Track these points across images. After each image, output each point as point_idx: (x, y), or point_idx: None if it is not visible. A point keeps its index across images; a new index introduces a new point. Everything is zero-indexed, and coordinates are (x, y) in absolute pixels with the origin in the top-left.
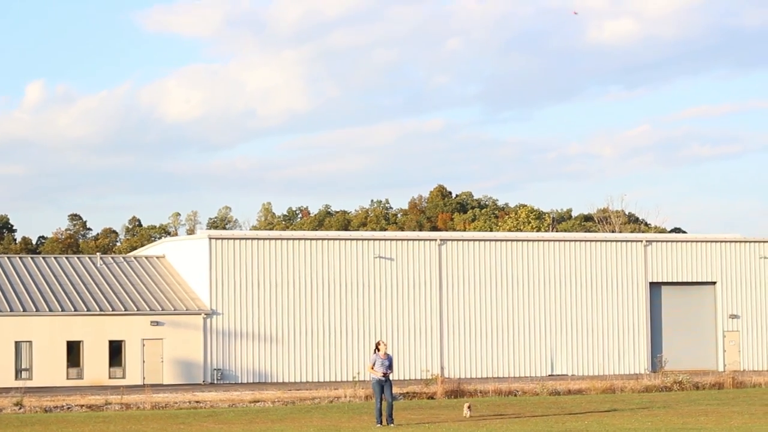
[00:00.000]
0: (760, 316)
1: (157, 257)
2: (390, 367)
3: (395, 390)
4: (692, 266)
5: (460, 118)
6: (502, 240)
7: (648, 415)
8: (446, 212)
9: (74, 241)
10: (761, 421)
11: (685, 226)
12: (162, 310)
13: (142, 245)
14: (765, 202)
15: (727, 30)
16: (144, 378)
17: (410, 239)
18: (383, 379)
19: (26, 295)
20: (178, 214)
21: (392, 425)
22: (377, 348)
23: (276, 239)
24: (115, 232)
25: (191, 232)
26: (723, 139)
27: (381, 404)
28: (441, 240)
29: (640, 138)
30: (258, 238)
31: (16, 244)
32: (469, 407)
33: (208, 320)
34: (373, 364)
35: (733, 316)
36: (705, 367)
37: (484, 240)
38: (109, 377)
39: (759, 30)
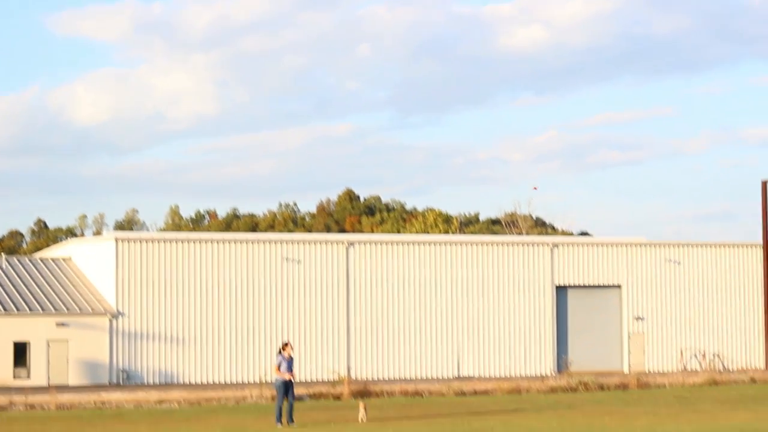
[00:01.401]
0: (664, 319)
1: (63, 259)
2: (293, 368)
3: (301, 390)
4: (598, 269)
5: (369, 123)
6: (409, 242)
7: (553, 416)
8: (354, 215)
9: None
10: (665, 421)
11: (592, 230)
12: (68, 311)
13: (48, 247)
14: (669, 207)
15: (636, 38)
16: (49, 379)
17: (318, 241)
18: (288, 380)
19: None
20: (85, 217)
21: (293, 425)
22: (284, 349)
23: (183, 241)
24: (20, 233)
25: (98, 234)
26: (629, 146)
27: (282, 404)
28: (348, 242)
29: (548, 143)
30: (165, 240)
31: None
32: (364, 408)
33: (114, 321)
34: (279, 365)
35: (638, 319)
36: (610, 369)
37: (392, 242)
38: (14, 378)
39: (667, 38)
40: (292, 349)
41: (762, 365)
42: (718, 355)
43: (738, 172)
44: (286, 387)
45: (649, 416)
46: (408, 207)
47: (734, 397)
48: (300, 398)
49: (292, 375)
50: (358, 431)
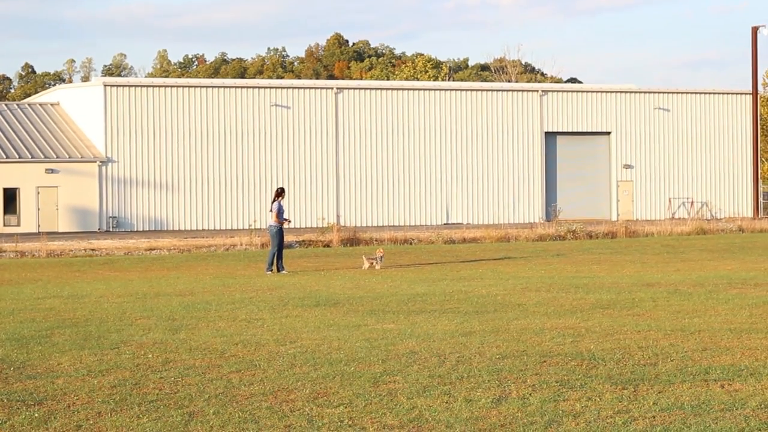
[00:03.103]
0: (653, 166)
1: (52, 104)
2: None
3: (290, 238)
4: (587, 116)
5: None
6: (398, 89)
7: (541, 264)
8: (343, 61)
9: None
10: (652, 269)
11: (581, 77)
12: (57, 157)
13: (36, 92)
14: (660, 53)
15: None
16: (39, 226)
17: (307, 87)
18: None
19: None
20: (73, 61)
21: (283, 272)
22: (281, 195)
23: (172, 86)
24: (8, 78)
25: (86, 79)
26: None
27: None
28: (337, 88)
29: None
30: (154, 86)
31: None
32: (381, 256)
33: (104, 168)
34: (279, 212)
35: (627, 166)
36: (598, 217)
37: (381, 89)
38: (4, 225)
39: None
40: None
41: (750, 214)
42: (706, 204)
43: (729, 19)
44: (282, 233)
45: (637, 265)
46: (397, 52)
47: (722, 246)
48: (289, 245)
49: (288, 220)
50: (346, 278)
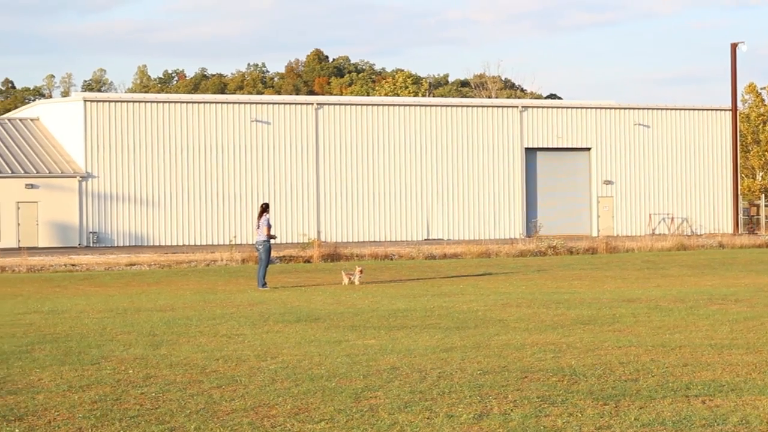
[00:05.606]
0: (633, 182)
1: (32, 119)
2: None
3: (272, 253)
4: (567, 132)
5: None
6: (379, 104)
7: (522, 279)
8: (323, 76)
9: None
10: (633, 285)
11: (561, 93)
12: (37, 173)
13: (16, 107)
14: (640, 69)
15: None
16: (19, 241)
17: (287, 103)
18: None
19: None
20: (53, 77)
21: (266, 288)
22: (267, 210)
23: (152, 102)
24: None
25: (66, 94)
26: (601, 7)
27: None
28: (318, 104)
29: (521, 4)
30: (134, 101)
31: None
32: (361, 272)
33: (84, 183)
34: (269, 226)
35: (607, 182)
36: (579, 233)
37: (361, 104)
38: None
39: None
40: None
41: (730, 229)
42: (686, 220)
43: (709, 35)
44: (270, 249)
45: (618, 281)
46: (377, 68)
47: (702, 262)
48: (271, 261)
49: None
50: (327, 294)
